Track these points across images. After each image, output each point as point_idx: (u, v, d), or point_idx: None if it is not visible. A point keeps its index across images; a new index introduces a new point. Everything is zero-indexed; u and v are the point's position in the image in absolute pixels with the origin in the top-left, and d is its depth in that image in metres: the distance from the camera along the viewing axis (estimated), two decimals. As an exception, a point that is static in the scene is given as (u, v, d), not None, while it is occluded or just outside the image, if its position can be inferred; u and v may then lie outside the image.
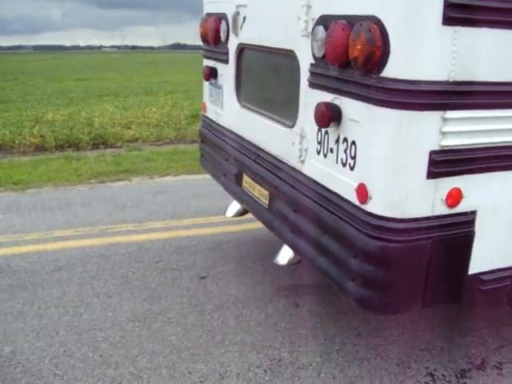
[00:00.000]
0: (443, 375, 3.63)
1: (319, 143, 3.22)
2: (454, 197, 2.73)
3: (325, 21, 2.99)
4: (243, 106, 4.52)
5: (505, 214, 2.93)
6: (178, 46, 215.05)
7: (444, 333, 4.13)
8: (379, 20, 2.52)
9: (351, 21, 2.70)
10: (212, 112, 5.26)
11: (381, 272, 2.72)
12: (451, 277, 2.88)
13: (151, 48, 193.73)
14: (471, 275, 2.92)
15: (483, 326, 4.23)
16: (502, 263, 3.02)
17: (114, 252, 5.53)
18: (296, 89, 3.45)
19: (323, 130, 3.13)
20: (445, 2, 2.37)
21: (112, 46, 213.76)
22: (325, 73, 3.04)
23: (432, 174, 2.63)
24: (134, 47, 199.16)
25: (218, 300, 4.53)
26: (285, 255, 3.88)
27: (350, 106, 2.83)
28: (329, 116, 2.92)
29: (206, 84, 5.33)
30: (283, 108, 3.87)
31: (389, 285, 2.78)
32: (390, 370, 3.68)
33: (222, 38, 4.72)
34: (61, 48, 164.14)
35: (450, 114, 2.57)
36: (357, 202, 2.82)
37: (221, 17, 4.68)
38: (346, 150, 2.91)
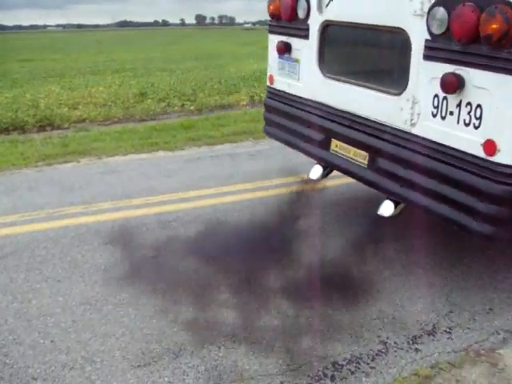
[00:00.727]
0: (395, 342, 3.69)
1: (436, 107, 3.76)
2: None
3: (444, 2, 3.54)
4: (328, 77, 4.96)
5: None
6: (124, 23, 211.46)
7: (395, 301, 4.18)
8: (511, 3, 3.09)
9: (479, 4, 3.26)
10: (283, 84, 5.63)
11: (507, 211, 3.38)
12: None
13: (97, 26, 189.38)
14: None
15: (433, 293, 4.29)
16: None
17: (62, 235, 5.40)
18: (405, 61, 3.96)
19: (441, 96, 3.69)
20: None
21: (57, 25, 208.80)
22: (447, 47, 3.57)
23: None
24: (79, 26, 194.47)
25: (170, 279, 4.48)
26: (387, 208, 4.36)
27: (476, 76, 3.39)
28: (456, 84, 3.48)
29: (275, 57, 5.68)
30: (386, 78, 4.43)
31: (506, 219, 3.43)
32: (343, 340, 3.71)
33: (301, 15, 5.14)
34: (2, 28, 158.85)
35: None
36: (483, 155, 3.40)
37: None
38: (469, 113, 3.50)
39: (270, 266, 4.58)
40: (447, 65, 3.59)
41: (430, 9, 3.66)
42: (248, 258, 4.66)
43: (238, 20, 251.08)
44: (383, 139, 4.28)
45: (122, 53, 32.60)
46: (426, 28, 3.72)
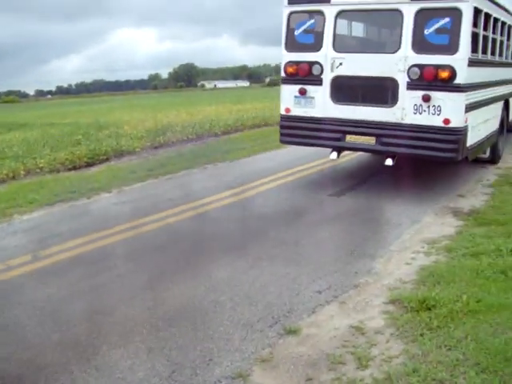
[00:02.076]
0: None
1: (416, 110, 8.20)
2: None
3: (417, 66, 8.05)
4: (338, 104, 8.95)
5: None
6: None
7: (116, 374, 4.16)
8: (451, 66, 7.77)
9: (435, 66, 7.92)
10: (299, 112, 9.29)
11: (456, 146, 8.07)
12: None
13: None
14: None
15: (153, 357, 4.45)
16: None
17: None
18: (396, 91, 8.35)
19: (419, 104, 8.16)
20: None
21: None
22: (420, 83, 8.09)
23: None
24: None
25: None
26: (389, 161, 8.70)
27: (436, 94, 7.95)
28: (429, 98, 7.99)
29: (291, 98, 9.32)
30: (383, 99, 8.65)
31: (460, 147, 8.16)
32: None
33: (315, 73, 9.04)
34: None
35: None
36: (443, 125, 8.02)
37: (312, 63, 9.03)
38: (434, 109, 8.05)
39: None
40: (419, 91, 8.15)
41: (409, 68, 8.19)
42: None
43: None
44: (384, 128, 8.55)
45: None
46: (407, 76, 8.23)
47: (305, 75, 9.12)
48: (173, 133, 17.21)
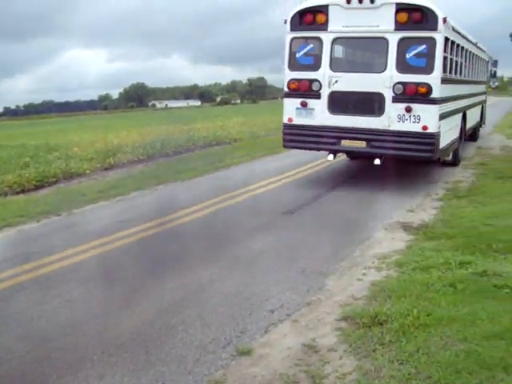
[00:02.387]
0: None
1: (399, 118, 10.12)
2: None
3: (400, 83, 10.08)
4: (334, 114, 10.73)
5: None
6: None
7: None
8: (428, 83, 9.94)
9: (415, 84, 10.01)
10: (301, 121, 11.10)
11: (430, 148, 10.10)
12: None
13: None
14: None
15: None
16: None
17: None
18: (383, 103, 10.26)
19: (402, 114, 10.11)
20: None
21: None
22: (402, 97, 10.09)
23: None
24: None
25: None
26: (377, 161, 10.53)
27: (416, 105, 10.01)
28: (410, 109, 10.01)
29: (293, 109, 11.14)
30: (373, 110, 10.41)
31: (435, 149, 10.22)
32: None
33: (315, 89, 10.86)
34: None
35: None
36: (422, 131, 10.02)
37: (312, 80, 10.88)
38: (414, 118, 10.03)
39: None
40: (405, 103, 10.05)
41: (394, 85, 10.11)
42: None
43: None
44: (373, 134, 10.32)
45: None
46: (392, 92, 10.11)
47: (306, 90, 11.05)
48: (123, 154, 17.09)
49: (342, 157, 13.76)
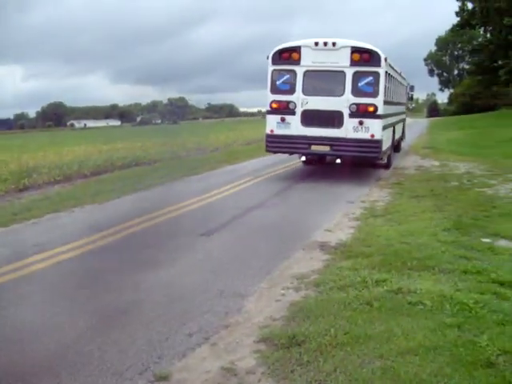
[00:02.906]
0: None
1: (355, 129, 14.21)
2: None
3: (354, 104, 14.26)
4: (305, 126, 14.57)
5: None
6: None
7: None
8: (375, 105, 14.14)
9: (366, 104, 14.25)
10: (280, 131, 14.74)
11: (378, 150, 14.30)
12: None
13: None
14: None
15: None
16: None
17: None
18: (342, 118, 14.32)
19: (356, 126, 14.19)
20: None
21: None
22: (356, 114, 14.27)
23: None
24: None
25: None
26: (338, 160, 15.11)
27: (366, 120, 14.15)
28: (362, 122, 14.16)
29: (275, 123, 14.81)
30: (334, 123, 14.37)
31: (380, 151, 14.53)
32: None
33: (291, 108, 14.76)
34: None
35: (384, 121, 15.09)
36: (370, 138, 14.10)
37: (289, 101, 14.82)
38: (365, 128, 14.13)
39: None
40: (358, 118, 14.18)
41: (350, 105, 14.26)
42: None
43: None
44: (335, 140, 14.26)
45: None
46: (349, 110, 14.25)
47: (284, 109, 14.94)
48: (39, 174, 16.61)
49: (255, 180, 15.22)
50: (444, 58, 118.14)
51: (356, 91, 14.26)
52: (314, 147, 14.75)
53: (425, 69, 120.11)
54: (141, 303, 5.98)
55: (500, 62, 57.95)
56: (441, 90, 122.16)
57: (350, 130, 14.25)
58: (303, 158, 16.64)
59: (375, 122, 14.23)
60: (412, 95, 29.44)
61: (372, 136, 14.12)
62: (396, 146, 20.98)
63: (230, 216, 10.28)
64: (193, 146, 28.86)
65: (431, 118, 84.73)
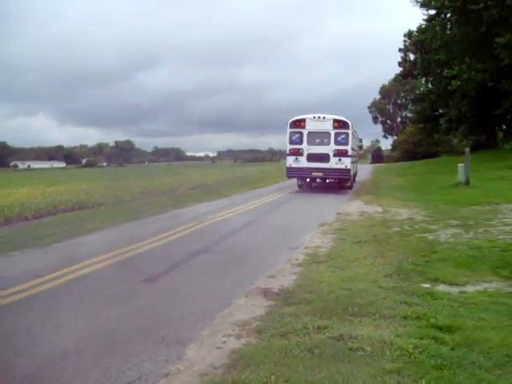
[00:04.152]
0: None
1: (336, 163, 27.00)
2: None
3: (336, 149, 27.03)
4: (309, 162, 27.37)
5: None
6: None
7: None
8: (347, 150, 27.12)
9: (342, 149, 27.15)
10: (295, 164, 27.54)
11: (348, 175, 27.72)
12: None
13: None
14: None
15: None
16: None
17: None
18: (329, 157, 27.06)
19: (337, 161, 26.88)
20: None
21: None
22: (336, 155, 26.96)
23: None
24: None
25: None
26: (327, 181, 28.23)
27: (342, 158, 26.93)
28: (340, 159, 26.97)
29: (292, 160, 27.67)
30: (325, 160, 27.07)
31: (350, 175, 28.11)
32: None
33: (300, 152, 27.69)
34: None
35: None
36: (344, 167, 26.98)
37: (299, 148, 27.67)
38: (342, 163, 26.92)
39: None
40: (338, 157, 26.89)
41: (333, 150, 27.01)
42: None
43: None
44: (325, 169, 27.11)
45: None
46: (332, 153, 27.00)
47: (296, 153, 27.08)
48: (-23, 217, 16.17)
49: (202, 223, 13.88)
50: (388, 106, 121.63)
51: (336, 142, 26.82)
52: (313, 173, 27.27)
53: (369, 116, 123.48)
54: (79, 351, 5.84)
55: (441, 111, 60.03)
56: (385, 136, 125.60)
57: (333, 163, 26.74)
58: (307, 180, 28.98)
59: (347, 159, 26.84)
60: (361, 145, 45.84)
61: (345, 166, 26.76)
62: (354, 177, 32.23)
63: (173, 262, 10.19)
64: (138, 189, 28.65)
65: (375, 164, 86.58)
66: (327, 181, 27.91)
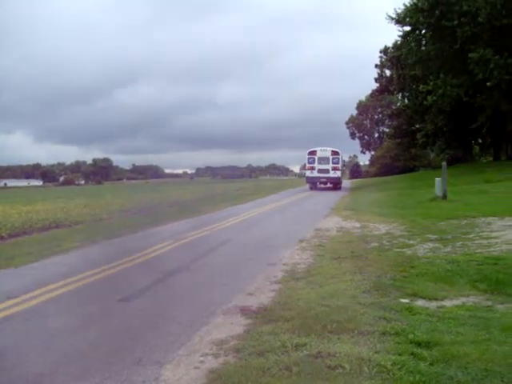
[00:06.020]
0: None
1: (332, 174, 52.43)
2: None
3: (333, 167, 52.74)
4: (319, 173, 52.53)
5: None
6: None
7: None
8: (338, 167, 53.44)
9: (336, 166, 52.84)
10: (311, 175, 52.95)
11: (339, 181, 54.58)
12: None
13: None
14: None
15: None
16: None
17: None
18: (329, 171, 52.53)
19: (334, 172, 52.45)
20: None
21: None
22: (333, 169, 52.64)
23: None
24: None
25: None
26: (329, 185, 53.78)
27: (336, 171, 52.67)
28: (335, 172, 52.83)
29: (309, 174, 53.46)
30: (327, 172, 52.60)
31: (340, 181, 55.15)
32: None
33: (314, 168, 53.35)
34: None
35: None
36: (336, 176, 53.10)
37: (313, 167, 53.26)
38: (336, 173, 52.82)
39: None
40: (334, 171, 52.42)
41: (331, 166, 52.06)
42: None
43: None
44: (328, 178, 52.88)
45: None
46: (331, 168, 52.20)
47: (311, 169, 52.27)
48: (-49, 237, 15.94)
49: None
50: (365, 122, 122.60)
51: (332, 163, 50.82)
52: (321, 180, 51.26)
53: (347, 132, 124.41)
54: (53, 374, 5.73)
55: (417, 126, 60.96)
56: (362, 152, 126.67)
57: (332, 174, 50.75)
58: (318, 185, 51.95)
59: (338, 171, 51.50)
60: (345, 163, 66.92)
61: (337, 176, 51.61)
62: (341, 182, 54.68)
63: (150, 280, 10.09)
64: (116, 207, 28.49)
65: (353, 180, 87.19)
66: (328, 184, 52.35)
